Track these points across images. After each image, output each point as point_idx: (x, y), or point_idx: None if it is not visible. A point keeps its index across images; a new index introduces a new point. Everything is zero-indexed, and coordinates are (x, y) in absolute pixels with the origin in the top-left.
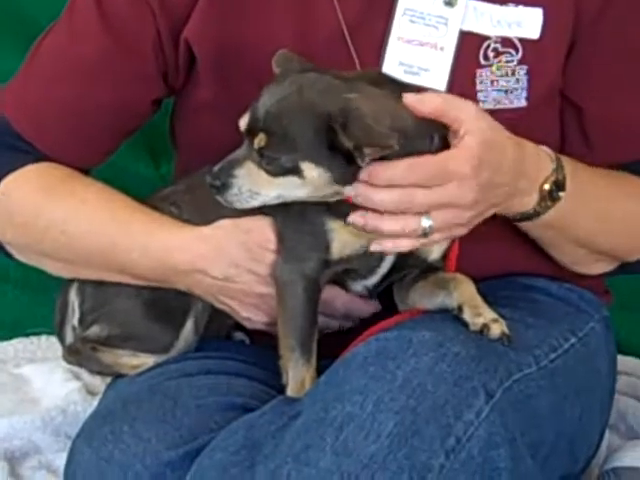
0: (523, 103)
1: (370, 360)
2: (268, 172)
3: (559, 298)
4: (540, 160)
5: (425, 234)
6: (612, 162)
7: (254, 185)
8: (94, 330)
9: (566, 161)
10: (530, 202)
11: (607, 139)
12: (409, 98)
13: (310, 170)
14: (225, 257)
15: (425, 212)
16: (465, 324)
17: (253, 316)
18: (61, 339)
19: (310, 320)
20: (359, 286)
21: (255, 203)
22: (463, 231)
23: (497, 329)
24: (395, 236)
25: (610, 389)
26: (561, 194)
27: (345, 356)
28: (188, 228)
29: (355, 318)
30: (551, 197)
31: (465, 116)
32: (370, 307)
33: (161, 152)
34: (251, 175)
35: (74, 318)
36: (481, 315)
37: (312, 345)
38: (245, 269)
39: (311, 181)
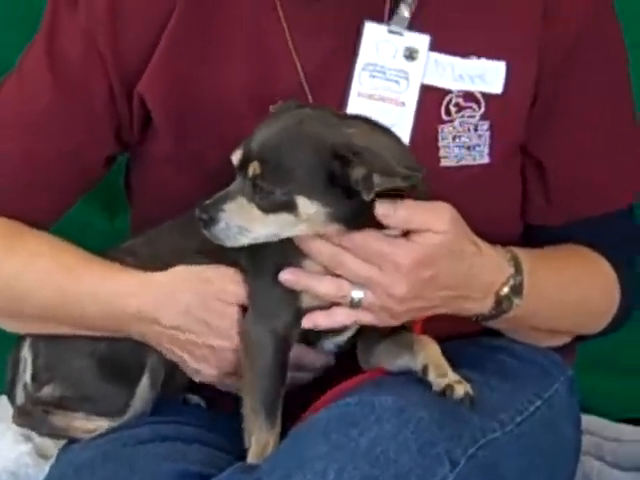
0: (486, 159)
1: (332, 426)
2: (260, 207)
3: (523, 359)
4: (497, 265)
5: (354, 305)
6: (572, 219)
7: (244, 221)
8: (47, 391)
9: (525, 260)
10: (484, 307)
11: (568, 196)
12: (381, 209)
13: (305, 205)
14: (176, 304)
15: (358, 284)
16: (428, 385)
17: (202, 369)
18: (12, 399)
19: (278, 382)
20: (331, 344)
21: (245, 240)
22: (393, 322)
23: (461, 390)
24: (327, 309)
25: (575, 451)
26: (517, 301)
27: (306, 421)
28: (140, 273)
29: (308, 372)
30: (508, 302)
31: (434, 218)
32: (322, 359)
33: (116, 205)
34: (242, 210)
35: (26, 375)
36: (445, 376)
37: (278, 409)
38: (197, 318)
39: (306, 218)
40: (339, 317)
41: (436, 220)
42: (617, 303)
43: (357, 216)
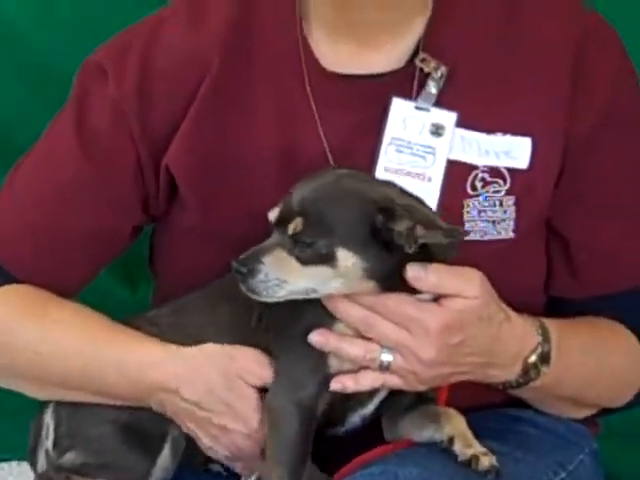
0: (510, 234)
1: None
2: (299, 259)
3: (547, 430)
4: (526, 334)
5: (383, 368)
6: (598, 293)
7: (282, 273)
8: (69, 457)
9: (552, 330)
10: (511, 374)
11: (594, 270)
12: (412, 271)
13: (345, 258)
14: (200, 380)
15: (387, 347)
16: (453, 456)
17: (213, 446)
18: (33, 465)
19: (303, 452)
20: (357, 417)
21: (282, 293)
22: (420, 388)
23: (486, 461)
24: (355, 373)
25: None
26: (545, 369)
27: None
28: (166, 345)
29: None
30: (535, 370)
31: (465, 284)
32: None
33: (138, 276)
34: (280, 262)
35: (48, 441)
36: (471, 447)
37: (303, 478)
38: (219, 397)
39: (344, 272)
40: (367, 380)
41: (467, 286)
42: None
43: (391, 276)
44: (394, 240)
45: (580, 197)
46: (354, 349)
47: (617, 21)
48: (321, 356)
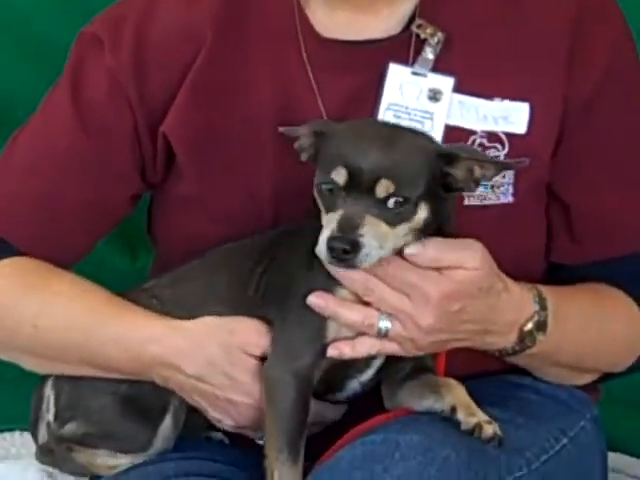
0: (510, 199)
1: (356, 464)
2: (388, 221)
3: (548, 396)
4: (522, 301)
5: (381, 335)
6: (598, 258)
7: (380, 239)
8: (70, 428)
9: (550, 297)
10: (508, 342)
11: (594, 235)
12: (409, 249)
13: (422, 211)
14: (201, 354)
15: (386, 313)
16: (456, 424)
17: (222, 419)
18: (35, 437)
19: (301, 421)
20: (356, 383)
21: (375, 260)
22: (417, 353)
23: (489, 429)
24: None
25: None
26: (541, 337)
27: (330, 460)
28: (166, 320)
29: (325, 423)
30: (531, 338)
31: (467, 256)
32: (340, 410)
33: (138, 245)
34: (375, 229)
35: (49, 414)
36: (474, 415)
37: (301, 447)
38: (220, 371)
39: (416, 225)
40: (364, 346)
41: (468, 257)
42: None
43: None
44: (452, 185)
45: (579, 161)
46: (352, 314)
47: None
48: (319, 324)
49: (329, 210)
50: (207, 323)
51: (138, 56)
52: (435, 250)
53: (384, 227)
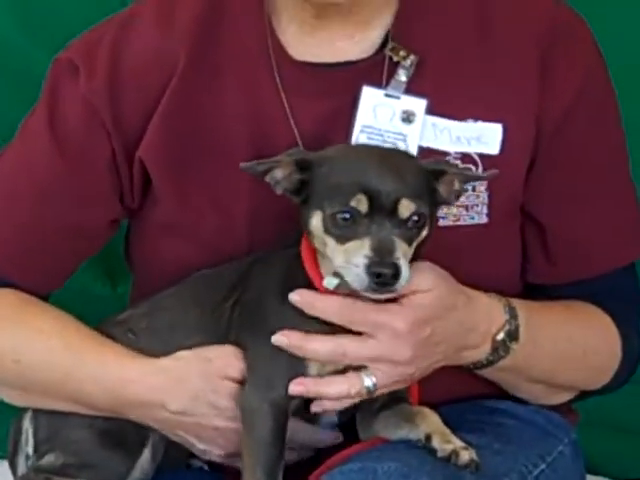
0: (484, 219)
1: None
2: (408, 241)
3: (526, 421)
4: (492, 312)
5: (370, 393)
6: (574, 278)
7: (407, 261)
8: (48, 459)
9: (520, 308)
10: (482, 353)
11: (569, 256)
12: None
13: (427, 229)
14: (185, 390)
15: (364, 368)
16: (432, 452)
17: (209, 449)
18: (13, 469)
19: (278, 451)
20: (333, 414)
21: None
22: (407, 384)
23: (466, 455)
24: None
25: None
26: (514, 346)
27: None
28: (144, 359)
29: (314, 449)
30: (504, 347)
31: (418, 279)
32: (333, 437)
33: (118, 272)
34: (404, 252)
35: (28, 447)
36: (450, 442)
37: (278, 476)
38: (205, 401)
39: (418, 243)
40: (347, 400)
41: (421, 280)
42: (619, 359)
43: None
44: (438, 200)
45: (552, 182)
46: (336, 388)
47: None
48: (297, 358)
49: (348, 239)
50: (183, 357)
51: (113, 81)
52: None
53: (405, 247)
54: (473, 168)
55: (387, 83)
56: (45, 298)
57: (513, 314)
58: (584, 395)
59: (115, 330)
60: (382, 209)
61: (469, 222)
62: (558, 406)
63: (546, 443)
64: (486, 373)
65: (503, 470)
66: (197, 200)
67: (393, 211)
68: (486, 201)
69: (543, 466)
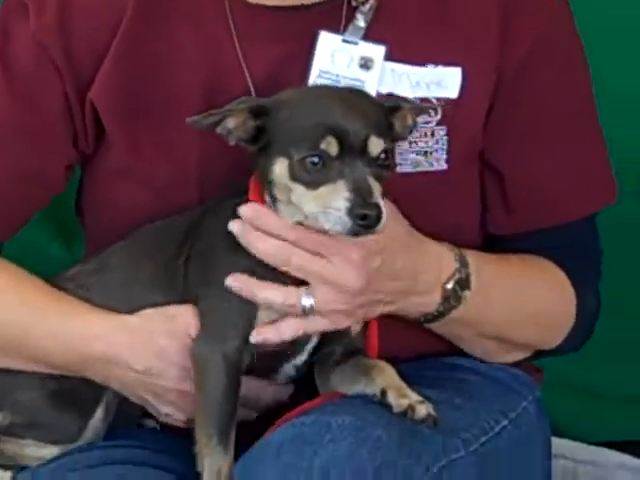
0: (443, 165)
1: (285, 447)
2: (378, 179)
3: (488, 377)
4: (442, 259)
5: (305, 313)
6: (532, 228)
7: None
8: None
9: (471, 258)
10: (432, 302)
11: (527, 205)
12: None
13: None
14: (149, 347)
15: (307, 290)
16: (389, 407)
17: (172, 413)
18: None
19: (231, 406)
20: (290, 367)
21: None
22: (347, 322)
23: (423, 410)
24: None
25: (546, 474)
26: (466, 293)
27: (259, 443)
28: (108, 314)
29: (269, 404)
30: (455, 296)
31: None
32: (289, 391)
33: (73, 233)
34: (379, 191)
35: None
36: (406, 397)
37: (231, 432)
38: (169, 361)
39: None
40: (289, 328)
41: None
42: (573, 317)
43: None
44: (394, 136)
45: (512, 130)
46: (271, 293)
47: None
48: (248, 308)
49: (320, 184)
50: (150, 315)
51: (63, 18)
52: None
53: (379, 186)
54: (432, 113)
55: (345, 28)
56: None
57: (464, 262)
58: (538, 355)
59: (66, 286)
60: (352, 149)
61: (428, 168)
62: (522, 363)
63: (509, 399)
64: (438, 327)
65: (463, 425)
66: (148, 147)
67: (363, 150)
68: (446, 147)
69: (505, 422)
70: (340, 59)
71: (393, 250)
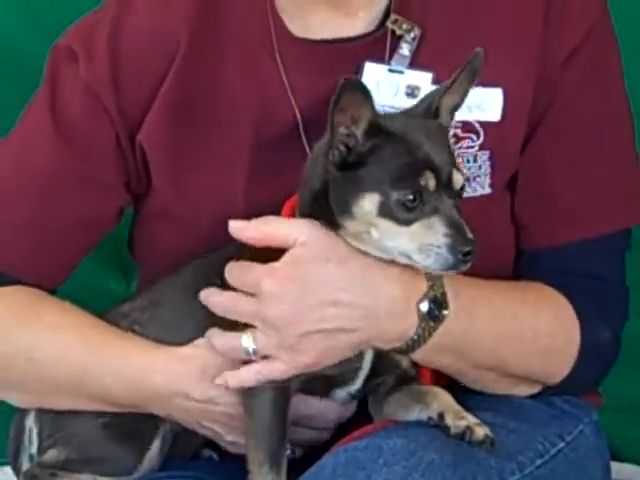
0: (487, 190)
1: (339, 471)
2: (459, 212)
3: (543, 400)
4: (409, 279)
5: (251, 355)
6: (555, 243)
7: None
8: (51, 454)
9: (447, 278)
10: (408, 327)
11: (543, 221)
12: (233, 225)
13: None
14: (206, 375)
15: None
16: (445, 430)
17: (238, 440)
18: (16, 470)
19: (280, 432)
20: (343, 393)
21: None
22: (299, 358)
23: (480, 432)
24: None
25: None
26: (444, 312)
27: (313, 468)
28: (165, 348)
29: (323, 425)
30: (432, 317)
31: (297, 232)
32: (334, 409)
33: (132, 268)
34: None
35: (32, 446)
36: (464, 418)
37: (282, 458)
38: (230, 389)
39: None
40: (245, 374)
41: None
42: (578, 344)
43: None
44: None
45: (549, 149)
46: (218, 342)
47: None
48: None
49: (413, 220)
50: (202, 344)
51: (113, 65)
52: (266, 226)
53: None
54: (474, 137)
55: (390, 58)
56: (51, 293)
57: (436, 281)
58: (548, 392)
59: (120, 322)
60: (441, 184)
61: (471, 194)
62: None
63: (565, 422)
64: (426, 356)
65: (518, 448)
66: (196, 189)
67: (448, 184)
68: (489, 171)
69: (562, 445)
70: (386, 89)
71: (316, 268)
